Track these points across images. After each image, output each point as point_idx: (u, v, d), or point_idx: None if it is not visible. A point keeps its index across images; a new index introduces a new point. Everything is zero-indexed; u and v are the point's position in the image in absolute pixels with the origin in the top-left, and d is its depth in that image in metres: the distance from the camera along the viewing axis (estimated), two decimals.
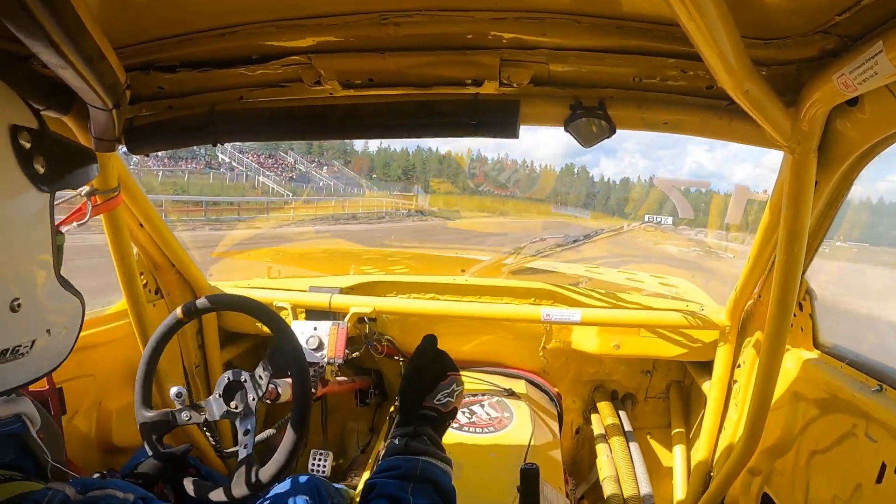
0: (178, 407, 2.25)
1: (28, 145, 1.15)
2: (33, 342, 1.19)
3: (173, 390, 2.25)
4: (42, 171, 1.18)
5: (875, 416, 1.97)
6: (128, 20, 1.74)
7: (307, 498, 2.10)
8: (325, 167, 78.85)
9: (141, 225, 2.83)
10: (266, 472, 2.09)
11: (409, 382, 1.80)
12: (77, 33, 1.39)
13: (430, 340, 1.89)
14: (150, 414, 2.25)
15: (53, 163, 1.21)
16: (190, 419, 2.24)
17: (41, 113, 1.25)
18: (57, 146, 1.26)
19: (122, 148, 2.19)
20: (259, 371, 2.21)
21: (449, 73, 1.96)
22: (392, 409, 3.44)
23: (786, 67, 1.67)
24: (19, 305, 1.13)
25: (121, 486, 1.13)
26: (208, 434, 2.40)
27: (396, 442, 1.66)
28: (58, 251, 1.28)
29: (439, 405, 1.74)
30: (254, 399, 2.20)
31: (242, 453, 2.14)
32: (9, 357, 1.13)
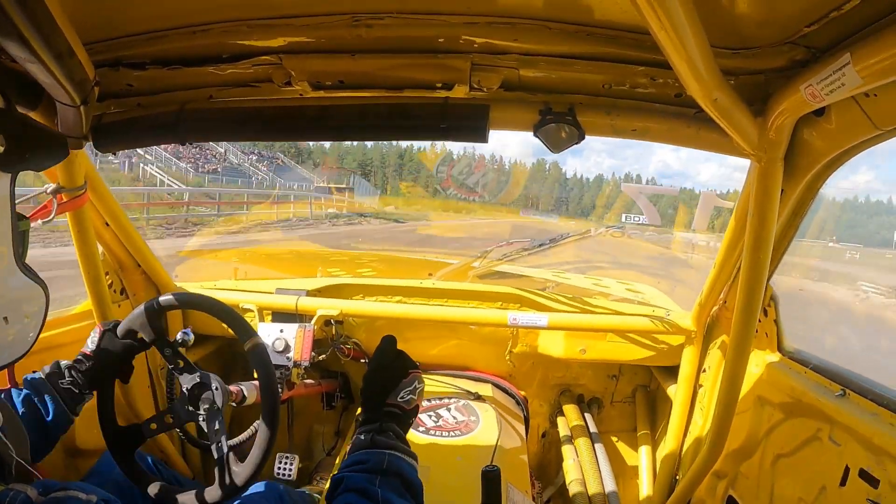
0: (146, 418, 2.22)
1: None
2: None
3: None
4: (1, 150, 1.15)
5: (839, 420, 2.00)
6: (98, 15, 1.71)
7: None
8: (268, 161, 72.19)
9: (107, 224, 2.79)
10: (241, 475, 2.06)
11: (371, 381, 1.81)
12: (47, 28, 1.37)
13: (390, 340, 1.89)
14: (116, 430, 2.21)
15: (14, 143, 1.18)
16: (157, 429, 2.21)
17: None
18: (22, 126, 1.23)
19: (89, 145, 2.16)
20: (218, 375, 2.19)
21: (419, 76, 1.96)
22: (358, 411, 3.43)
23: (754, 77, 1.69)
24: None
25: (83, 488, 1.11)
26: (181, 433, 2.36)
27: (362, 437, 1.67)
28: (21, 237, 1.24)
29: (402, 402, 1.75)
30: (219, 400, 2.17)
31: (215, 453, 2.11)
32: None
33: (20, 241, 1.25)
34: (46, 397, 1.98)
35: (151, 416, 2.22)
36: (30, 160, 1.27)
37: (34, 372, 2.03)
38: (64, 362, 2.11)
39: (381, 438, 1.65)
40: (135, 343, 2.21)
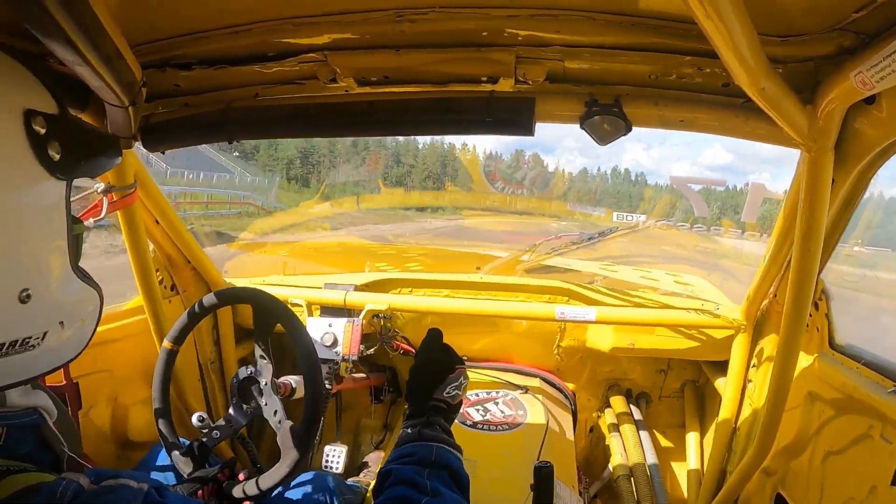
0: (204, 431, 2.26)
1: (43, 131, 1.13)
2: (45, 334, 1.17)
3: (195, 418, 2.26)
4: (57, 157, 1.16)
5: (891, 417, 1.95)
6: (144, 18, 1.75)
7: (320, 495, 2.11)
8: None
9: (157, 221, 2.85)
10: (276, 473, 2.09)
11: (417, 375, 1.83)
12: (95, 32, 1.40)
13: (436, 335, 1.91)
14: (180, 453, 2.25)
15: (70, 150, 1.19)
16: (220, 436, 2.25)
17: None
18: (76, 133, 1.24)
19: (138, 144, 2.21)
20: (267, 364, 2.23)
21: (464, 70, 1.96)
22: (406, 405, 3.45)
23: (803, 65, 1.65)
24: (28, 296, 1.11)
25: (134, 476, 1.14)
26: (244, 448, 2.41)
27: (409, 431, 1.68)
28: (75, 241, 1.26)
29: (448, 397, 1.77)
30: (268, 394, 2.21)
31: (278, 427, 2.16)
32: (18, 348, 1.11)
33: (75, 245, 1.27)
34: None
35: (211, 426, 2.26)
36: (84, 167, 1.29)
37: None
38: None
39: (427, 432, 1.66)
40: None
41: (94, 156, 1.33)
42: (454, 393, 1.78)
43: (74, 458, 1.32)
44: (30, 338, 1.14)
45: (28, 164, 1.12)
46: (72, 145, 1.21)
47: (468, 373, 1.91)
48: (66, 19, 1.27)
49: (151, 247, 2.94)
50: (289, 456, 2.07)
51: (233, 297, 2.48)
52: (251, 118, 2.20)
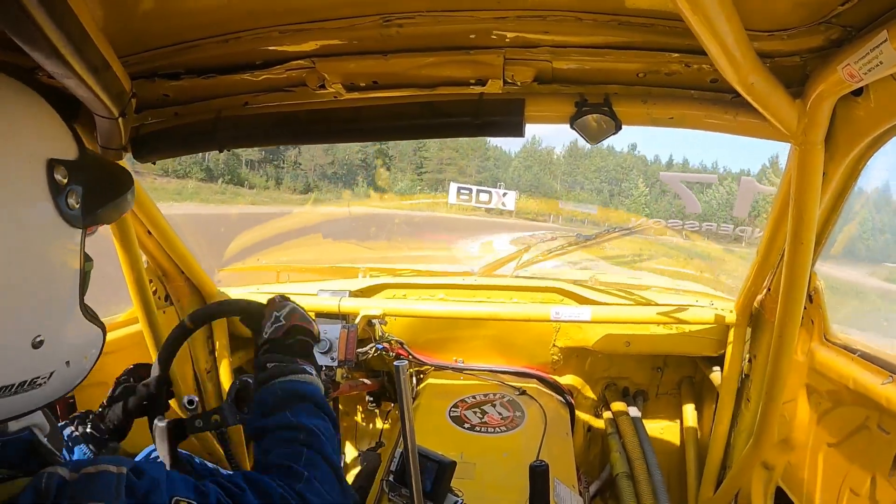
0: (191, 415, 2.24)
1: (64, 181, 1.15)
2: (52, 373, 1.19)
3: (185, 398, 2.25)
4: (76, 206, 1.18)
5: (887, 407, 1.96)
6: (132, 29, 1.74)
7: None
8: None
9: (149, 232, 2.83)
10: None
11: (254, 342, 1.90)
12: (82, 43, 1.39)
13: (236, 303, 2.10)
14: (161, 424, 2.24)
15: (89, 197, 1.21)
16: (203, 426, 2.23)
17: None
18: (95, 175, 1.26)
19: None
20: None
21: (453, 73, 1.96)
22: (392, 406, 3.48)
23: (790, 59, 1.66)
24: (41, 342, 1.13)
25: (113, 461, 1.13)
26: (220, 444, 2.39)
27: (249, 380, 1.81)
28: (85, 278, 1.28)
29: (270, 335, 1.81)
30: None
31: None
32: (26, 388, 1.14)
33: (84, 284, 1.28)
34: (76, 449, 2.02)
35: (197, 414, 2.25)
36: (102, 215, 1.29)
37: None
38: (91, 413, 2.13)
39: (263, 374, 1.69)
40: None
41: (111, 200, 1.34)
42: (274, 327, 1.83)
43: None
44: (38, 378, 1.16)
45: (48, 215, 1.14)
46: (90, 192, 1.22)
47: (465, 374, 1.91)
48: (53, 31, 1.26)
49: (144, 258, 2.93)
50: None
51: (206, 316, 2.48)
52: (241, 126, 2.20)
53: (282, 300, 1.92)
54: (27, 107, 1.19)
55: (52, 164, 1.14)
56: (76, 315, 1.26)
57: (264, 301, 1.99)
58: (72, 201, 1.17)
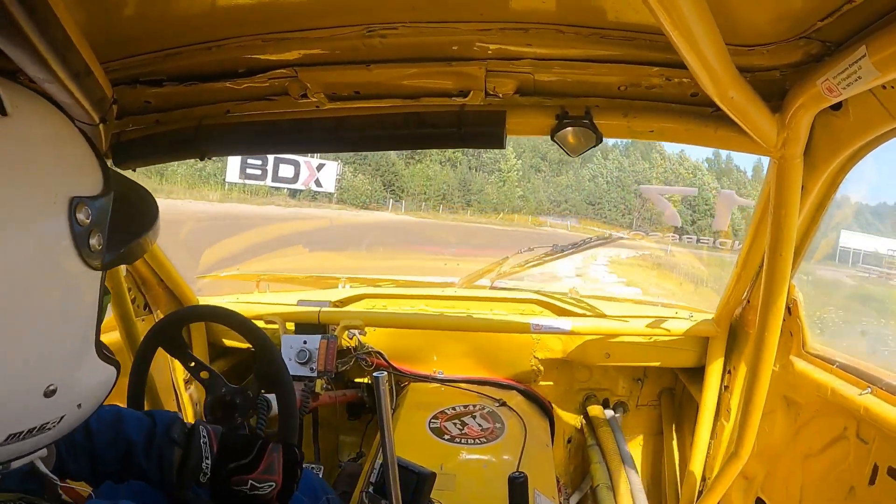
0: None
1: (87, 221, 1.06)
2: (62, 417, 1.13)
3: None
4: (98, 248, 1.09)
5: (866, 417, 1.97)
6: (114, 34, 1.74)
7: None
8: None
9: None
10: None
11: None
12: (64, 48, 1.38)
13: None
14: None
15: (112, 235, 1.12)
16: (206, 379, 2.21)
17: None
18: (119, 208, 1.16)
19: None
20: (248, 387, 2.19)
21: (435, 84, 1.97)
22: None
23: (770, 73, 1.68)
24: (54, 391, 1.07)
25: (108, 495, 1.12)
26: (210, 398, 2.33)
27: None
28: (101, 313, 1.20)
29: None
30: (243, 413, 2.18)
31: None
32: (35, 433, 1.08)
33: (100, 320, 1.21)
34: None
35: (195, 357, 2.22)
36: (124, 254, 1.21)
37: None
38: None
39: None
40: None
41: (136, 237, 1.24)
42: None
43: (68, 487, 1.30)
44: (47, 423, 1.10)
45: (68, 262, 1.05)
46: (114, 230, 1.14)
47: (445, 386, 1.90)
48: (35, 35, 1.24)
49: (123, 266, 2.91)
50: None
51: (206, 315, 2.46)
52: (223, 134, 2.20)
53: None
54: (51, 137, 1.10)
55: (74, 203, 1.04)
56: (90, 358, 1.19)
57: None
58: (94, 241, 1.08)
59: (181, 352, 2.20)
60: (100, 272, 1.13)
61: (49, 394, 1.06)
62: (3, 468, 1.14)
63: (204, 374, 2.20)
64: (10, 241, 0.97)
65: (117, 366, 1.29)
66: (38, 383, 1.05)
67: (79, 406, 1.19)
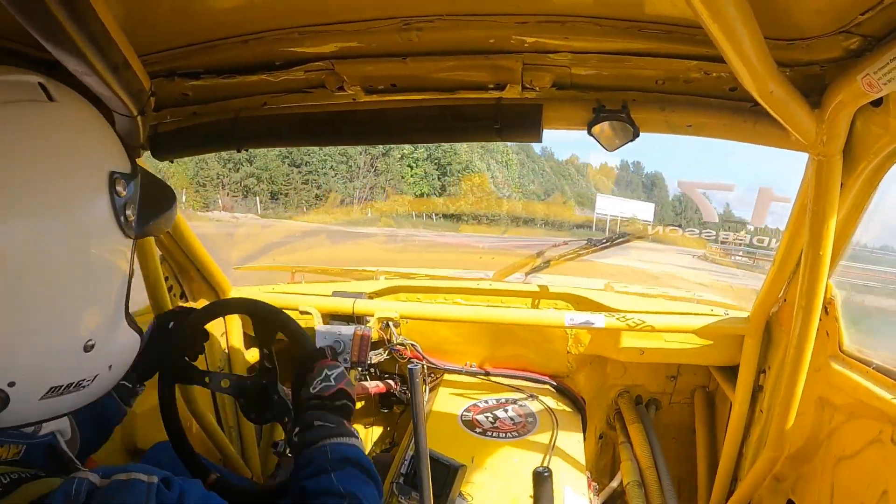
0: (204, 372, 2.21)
1: (124, 192, 1.23)
2: (95, 377, 1.27)
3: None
4: (132, 218, 1.26)
5: None
6: (152, 28, 1.77)
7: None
8: None
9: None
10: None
11: (292, 391, 1.94)
12: (103, 41, 1.41)
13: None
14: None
15: (142, 209, 1.30)
16: (210, 384, 2.18)
17: None
18: (147, 188, 1.35)
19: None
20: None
21: (471, 77, 1.97)
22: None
23: (810, 68, 1.66)
24: (92, 346, 1.21)
25: (144, 469, 1.15)
26: (242, 401, 2.32)
27: (295, 439, 1.73)
28: (129, 287, 1.35)
29: (318, 391, 1.82)
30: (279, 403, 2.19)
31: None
32: (72, 389, 1.21)
33: (129, 292, 1.36)
34: None
35: (210, 371, 2.23)
36: (153, 226, 1.40)
37: None
38: None
39: (311, 434, 1.69)
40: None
41: (162, 212, 1.44)
42: (322, 385, 1.83)
43: (74, 462, 1.35)
44: (84, 380, 1.24)
45: (109, 226, 1.22)
46: (143, 205, 1.32)
47: (477, 379, 1.90)
48: (74, 29, 1.28)
49: (160, 254, 2.95)
50: None
51: (228, 308, 2.48)
52: (259, 127, 2.22)
53: (333, 357, 1.94)
54: (90, 120, 1.28)
55: (113, 177, 1.21)
56: (122, 321, 1.34)
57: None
58: (129, 213, 1.25)
59: (192, 375, 2.19)
60: (132, 242, 1.30)
61: (88, 348, 1.20)
62: (35, 428, 1.22)
63: (225, 383, 2.20)
64: (66, 208, 1.14)
65: (141, 333, 1.44)
66: (80, 337, 1.19)
67: (110, 367, 1.32)
